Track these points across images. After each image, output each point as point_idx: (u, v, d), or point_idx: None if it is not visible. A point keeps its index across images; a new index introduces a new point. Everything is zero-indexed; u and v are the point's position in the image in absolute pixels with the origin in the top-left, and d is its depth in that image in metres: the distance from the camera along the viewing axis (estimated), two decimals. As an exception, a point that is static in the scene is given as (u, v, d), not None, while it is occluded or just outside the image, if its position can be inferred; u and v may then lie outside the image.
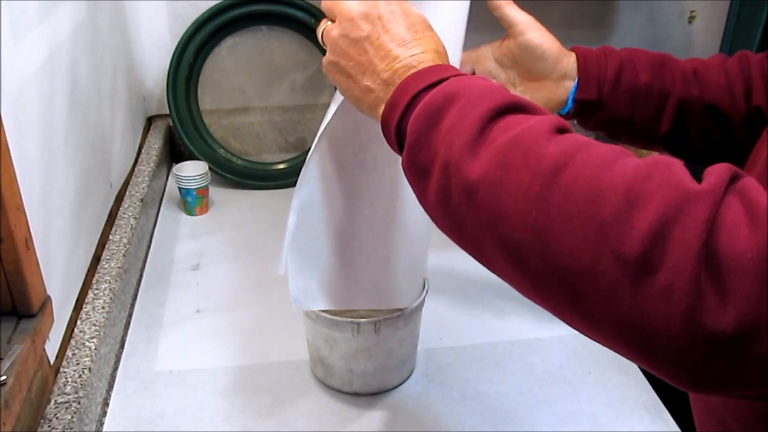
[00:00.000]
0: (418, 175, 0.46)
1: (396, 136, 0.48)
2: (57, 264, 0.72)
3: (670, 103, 0.75)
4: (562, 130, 0.41)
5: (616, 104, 0.73)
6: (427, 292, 0.79)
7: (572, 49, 0.74)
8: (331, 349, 0.77)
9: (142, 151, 1.21)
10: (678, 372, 0.36)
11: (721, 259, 0.33)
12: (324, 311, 0.74)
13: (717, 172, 0.36)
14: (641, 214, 0.35)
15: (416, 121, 0.46)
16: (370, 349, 0.76)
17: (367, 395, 0.78)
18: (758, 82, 0.74)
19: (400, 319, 0.75)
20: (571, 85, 0.72)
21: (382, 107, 0.49)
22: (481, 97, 0.44)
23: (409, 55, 0.50)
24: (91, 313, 0.78)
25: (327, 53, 0.54)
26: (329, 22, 0.54)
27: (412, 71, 0.49)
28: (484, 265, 0.45)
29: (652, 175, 0.36)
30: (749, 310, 0.33)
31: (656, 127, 0.75)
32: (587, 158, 0.38)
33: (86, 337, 0.74)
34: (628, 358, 0.39)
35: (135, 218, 0.98)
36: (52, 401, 0.66)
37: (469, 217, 0.42)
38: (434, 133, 0.45)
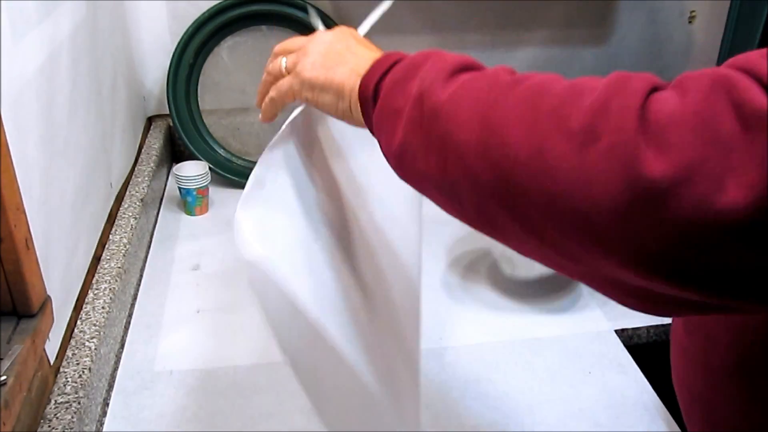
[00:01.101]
0: (388, 117, 0.49)
1: (373, 93, 0.51)
2: (57, 264, 0.72)
3: None
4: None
5: None
6: None
7: None
8: None
9: (142, 151, 1.21)
10: (624, 244, 0.37)
11: (656, 118, 0.36)
12: None
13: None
14: (586, 97, 0.38)
15: (396, 73, 0.50)
16: None
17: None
18: None
19: None
20: None
21: (362, 75, 0.53)
22: (452, 56, 0.49)
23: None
24: (91, 313, 0.78)
25: (296, 68, 0.58)
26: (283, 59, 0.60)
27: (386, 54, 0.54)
28: (450, 188, 0.45)
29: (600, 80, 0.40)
30: (683, 156, 0.35)
31: None
32: (545, 77, 0.42)
33: (86, 337, 0.74)
34: (570, 248, 0.40)
35: (135, 218, 0.98)
36: (52, 401, 0.66)
37: (433, 139, 0.45)
38: (411, 81, 0.48)
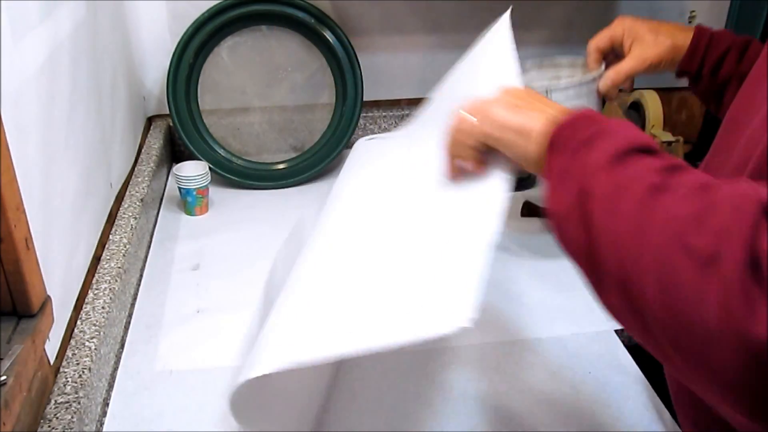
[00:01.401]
0: (560, 177, 0.52)
1: (560, 145, 0.53)
2: (57, 264, 0.72)
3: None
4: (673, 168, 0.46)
5: (710, 84, 0.86)
6: (603, 68, 0.86)
7: (693, 28, 0.87)
8: None
9: (142, 151, 1.21)
10: (740, 394, 0.38)
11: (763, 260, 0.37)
12: None
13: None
14: (713, 218, 0.39)
15: (582, 133, 0.52)
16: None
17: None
18: None
19: (572, 88, 0.84)
20: (680, 56, 0.86)
21: (556, 123, 0.54)
22: (625, 136, 0.50)
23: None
24: (91, 313, 0.78)
25: (486, 113, 0.59)
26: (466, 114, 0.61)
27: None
28: (593, 269, 0.48)
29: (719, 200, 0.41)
30: None
31: None
32: (687, 186, 0.43)
33: (86, 337, 0.74)
34: (693, 378, 0.41)
35: (135, 218, 0.98)
36: (52, 401, 0.66)
37: (586, 223, 0.47)
38: (590, 152, 0.50)
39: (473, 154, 0.61)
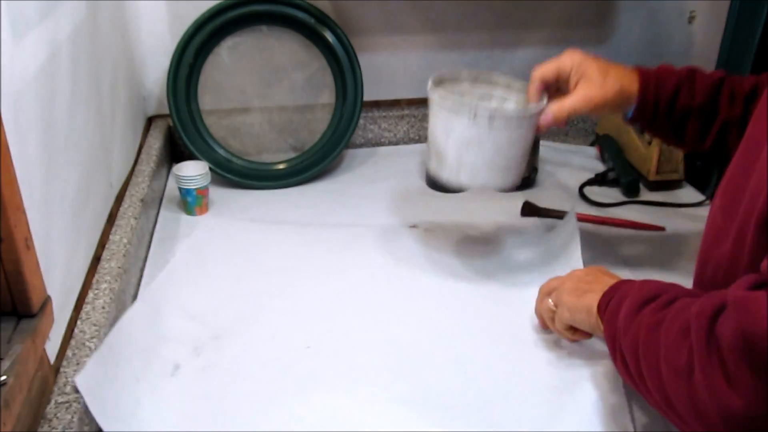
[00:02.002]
0: (607, 340, 0.70)
1: (602, 315, 0.72)
2: (57, 264, 0.72)
3: (716, 123, 0.86)
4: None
5: (667, 123, 0.88)
6: (545, 102, 0.87)
7: (635, 70, 0.88)
8: (446, 136, 0.85)
9: (142, 151, 1.21)
10: None
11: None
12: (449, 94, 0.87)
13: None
14: (688, 338, 0.56)
15: (613, 303, 0.70)
16: (482, 142, 0.83)
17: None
18: None
19: (515, 118, 0.84)
20: (631, 105, 0.87)
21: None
22: (639, 290, 0.67)
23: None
24: (91, 313, 0.78)
25: (558, 298, 0.80)
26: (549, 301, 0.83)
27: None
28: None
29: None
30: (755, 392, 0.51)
31: (702, 141, 0.89)
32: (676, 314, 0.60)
33: (86, 337, 0.74)
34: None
35: (135, 218, 0.98)
36: (52, 401, 0.66)
37: (624, 360, 0.67)
38: (617, 314, 0.68)
39: (565, 333, 0.81)
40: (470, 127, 0.83)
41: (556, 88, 0.88)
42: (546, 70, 0.87)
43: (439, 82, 0.90)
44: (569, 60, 0.86)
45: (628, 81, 0.86)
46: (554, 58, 0.88)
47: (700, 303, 0.56)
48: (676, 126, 0.87)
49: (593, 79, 0.85)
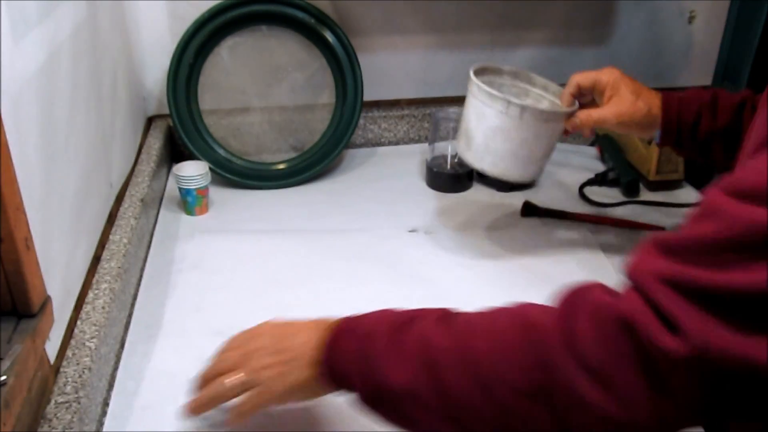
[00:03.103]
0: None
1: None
2: (57, 264, 0.72)
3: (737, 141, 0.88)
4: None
5: (694, 147, 0.91)
6: (577, 107, 0.91)
7: (660, 94, 0.91)
8: (478, 121, 0.90)
9: (142, 151, 1.21)
10: None
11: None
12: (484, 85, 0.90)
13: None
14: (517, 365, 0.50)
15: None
16: (509, 130, 0.87)
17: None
18: None
19: (544, 114, 0.89)
20: (656, 128, 0.91)
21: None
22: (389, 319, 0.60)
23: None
24: (91, 313, 0.78)
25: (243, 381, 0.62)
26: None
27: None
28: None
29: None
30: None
31: (731, 161, 0.90)
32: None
33: (86, 337, 0.74)
34: None
35: (135, 218, 0.98)
36: (52, 401, 0.66)
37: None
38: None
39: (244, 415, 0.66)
40: (501, 116, 0.88)
41: (590, 99, 0.93)
42: (584, 77, 0.92)
43: (480, 72, 0.96)
44: (608, 75, 0.91)
45: (656, 105, 0.90)
46: (595, 70, 0.93)
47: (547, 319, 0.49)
48: (703, 149, 0.91)
49: (625, 97, 0.89)
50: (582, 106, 0.93)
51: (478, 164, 0.94)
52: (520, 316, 0.51)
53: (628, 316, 0.43)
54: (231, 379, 0.62)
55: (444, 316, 0.56)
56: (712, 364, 0.39)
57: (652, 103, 0.90)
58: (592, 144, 1.43)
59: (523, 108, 0.88)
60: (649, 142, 1.24)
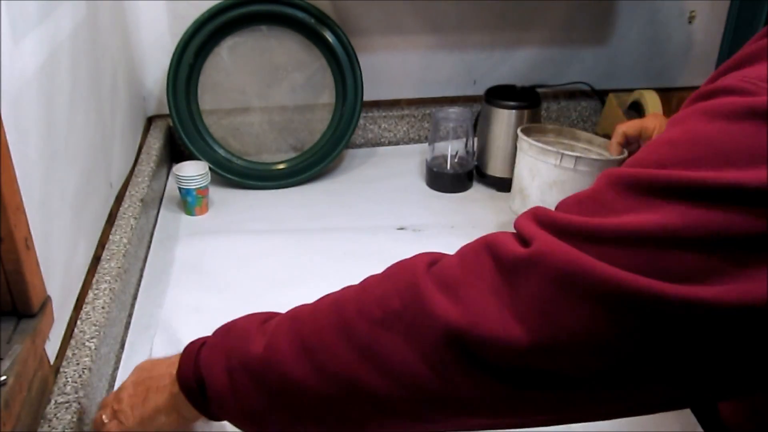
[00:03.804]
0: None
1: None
2: (57, 264, 0.72)
3: None
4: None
5: None
6: (626, 154, 0.95)
7: None
8: (532, 178, 0.94)
9: (142, 151, 1.21)
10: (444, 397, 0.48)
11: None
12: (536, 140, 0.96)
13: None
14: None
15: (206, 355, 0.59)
16: (565, 182, 0.91)
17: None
18: None
19: (598, 162, 0.93)
20: None
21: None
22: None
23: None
24: (91, 313, 0.78)
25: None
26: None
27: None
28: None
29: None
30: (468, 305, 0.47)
31: None
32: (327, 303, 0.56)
33: (86, 337, 0.74)
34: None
35: (135, 218, 0.98)
36: (52, 401, 0.66)
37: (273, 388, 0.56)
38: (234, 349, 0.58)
39: None
40: (555, 169, 0.93)
41: (637, 147, 0.96)
42: (630, 126, 0.95)
43: (527, 131, 1.02)
44: (653, 121, 0.94)
45: None
46: (639, 119, 0.96)
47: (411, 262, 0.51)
48: None
49: None
50: (630, 155, 0.95)
51: None
52: (399, 263, 0.53)
53: (490, 240, 0.47)
54: (99, 413, 0.66)
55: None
56: (553, 267, 0.42)
57: None
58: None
59: (577, 159, 0.91)
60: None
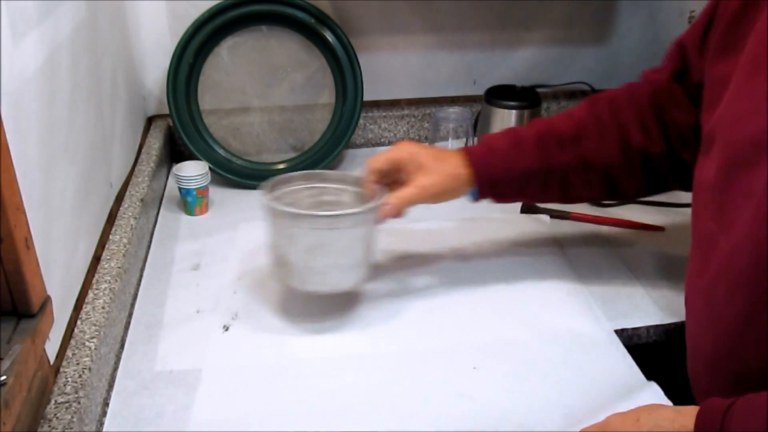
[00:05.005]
0: None
1: None
2: (57, 264, 0.72)
3: (552, 178, 0.89)
4: None
5: (514, 191, 0.90)
6: (383, 194, 0.86)
7: (461, 152, 0.89)
8: (289, 245, 0.83)
9: (142, 151, 1.21)
10: None
11: None
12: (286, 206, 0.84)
13: None
14: None
15: None
16: (325, 245, 0.81)
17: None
18: (633, 125, 0.89)
19: (355, 216, 0.82)
20: (470, 186, 0.88)
21: None
22: None
23: None
24: (91, 313, 0.78)
25: None
26: None
27: None
28: None
29: None
30: None
31: (548, 196, 0.92)
32: None
33: (86, 337, 0.74)
34: None
35: (135, 218, 0.98)
36: (52, 401, 0.66)
37: None
38: None
39: None
40: (312, 232, 0.82)
41: (393, 179, 0.88)
42: (379, 161, 0.87)
43: (272, 188, 0.89)
44: (404, 151, 0.87)
45: (459, 165, 0.87)
46: (387, 150, 0.88)
47: None
48: (522, 191, 0.90)
49: (428, 166, 0.86)
50: (389, 186, 0.87)
51: (304, 288, 0.86)
52: None
53: None
54: None
55: None
56: None
57: (455, 163, 0.87)
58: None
59: (332, 218, 0.82)
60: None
